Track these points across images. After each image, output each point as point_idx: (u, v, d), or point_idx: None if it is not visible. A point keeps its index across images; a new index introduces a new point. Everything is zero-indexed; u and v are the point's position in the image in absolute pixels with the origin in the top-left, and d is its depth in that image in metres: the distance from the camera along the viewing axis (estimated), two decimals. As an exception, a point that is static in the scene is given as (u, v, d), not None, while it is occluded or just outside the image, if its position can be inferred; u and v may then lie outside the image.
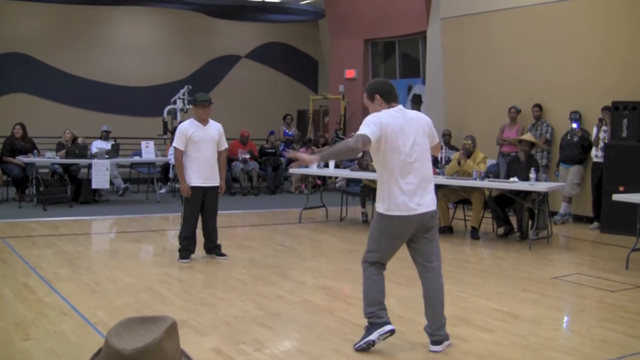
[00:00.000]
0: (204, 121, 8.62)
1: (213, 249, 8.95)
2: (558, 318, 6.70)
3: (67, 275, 7.69)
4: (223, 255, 8.93)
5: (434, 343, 5.29)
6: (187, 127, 8.58)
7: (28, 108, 19.41)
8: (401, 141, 5.09)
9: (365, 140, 4.99)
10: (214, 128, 8.73)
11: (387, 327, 5.21)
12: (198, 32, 23.00)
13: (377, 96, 5.25)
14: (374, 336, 5.19)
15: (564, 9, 13.21)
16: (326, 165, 13.10)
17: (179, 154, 8.57)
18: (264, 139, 18.71)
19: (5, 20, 20.07)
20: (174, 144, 8.66)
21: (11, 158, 14.01)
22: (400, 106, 5.27)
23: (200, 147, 8.53)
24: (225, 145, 8.92)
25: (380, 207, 5.24)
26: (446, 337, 5.34)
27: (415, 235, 5.26)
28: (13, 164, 13.99)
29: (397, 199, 5.13)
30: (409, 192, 5.12)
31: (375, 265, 5.35)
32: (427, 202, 5.20)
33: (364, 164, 12.43)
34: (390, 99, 5.25)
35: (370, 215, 12.47)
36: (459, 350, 5.32)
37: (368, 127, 5.04)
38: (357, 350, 5.23)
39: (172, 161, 15.28)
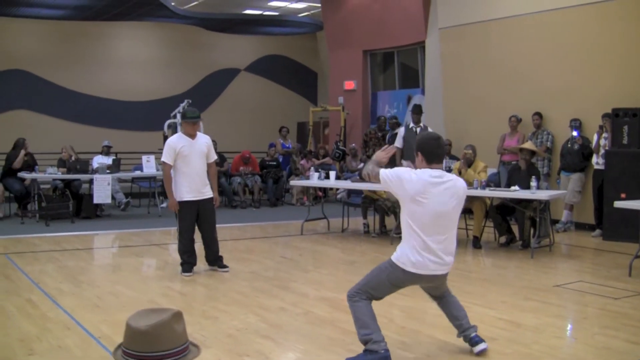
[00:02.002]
0: (192, 135, 8.65)
1: (215, 260, 8.95)
2: (561, 326, 6.69)
3: (70, 290, 7.70)
4: (225, 267, 8.93)
5: (476, 341, 5.45)
6: (176, 142, 8.59)
7: (29, 125, 19.46)
8: (422, 204, 5.07)
9: (377, 176, 5.26)
10: (203, 141, 8.74)
11: None
12: (197, 46, 23.08)
13: (419, 153, 5.26)
14: None
15: (561, 17, 13.24)
16: (327, 177, 13.12)
17: (168, 168, 8.54)
18: (264, 152, 18.73)
19: (5, 38, 20.15)
20: (163, 158, 8.59)
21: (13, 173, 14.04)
22: (439, 171, 5.18)
23: (189, 161, 8.54)
24: (214, 157, 8.93)
25: (395, 255, 5.21)
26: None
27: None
28: (15, 176, 14.01)
29: (412, 256, 5.11)
30: (425, 251, 5.09)
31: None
32: (438, 267, 5.17)
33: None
34: (430, 159, 5.19)
35: (372, 226, 12.47)
36: (462, 360, 5.33)
37: (388, 174, 5.21)
38: None
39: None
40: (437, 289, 5.51)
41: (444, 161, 11.05)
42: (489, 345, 5.54)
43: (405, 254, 5.12)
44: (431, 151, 5.20)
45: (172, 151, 8.50)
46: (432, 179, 5.10)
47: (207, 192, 8.74)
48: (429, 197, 5.06)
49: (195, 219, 8.72)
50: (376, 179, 5.29)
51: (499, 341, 5.75)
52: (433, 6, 16.39)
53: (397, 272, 5.15)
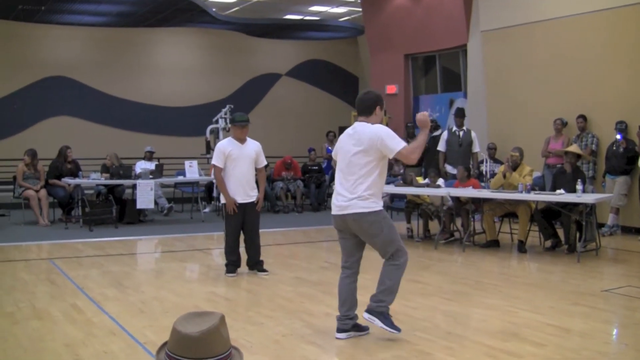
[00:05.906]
0: (241, 140, 8.78)
1: (255, 264, 9.00)
2: (610, 332, 6.59)
3: (115, 296, 7.73)
4: (265, 271, 8.96)
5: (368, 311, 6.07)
6: (226, 146, 8.80)
7: (72, 130, 19.69)
8: (340, 153, 6.00)
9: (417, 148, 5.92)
10: (251, 147, 8.87)
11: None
12: (238, 52, 23.18)
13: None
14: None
15: (605, 19, 13.06)
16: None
17: (218, 171, 8.76)
18: (306, 156, 18.73)
19: (48, 45, 20.43)
20: (213, 161, 8.87)
21: (57, 180, 14.16)
22: (357, 124, 5.98)
23: (237, 164, 8.71)
24: (264, 162, 9.07)
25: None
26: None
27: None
28: (59, 186, 14.15)
29: (333, 201, 6.03)
30: (338, 190, 5.97)
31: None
32: (344, 202, 5.88)
33: (408, 179, 12.27)
34: (359, 112, 6.05)
35: (415, 231, 12.35)
36: (510, 366, 5.25)
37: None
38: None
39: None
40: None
41: (488, 163, 10.93)
42: (538, 351, 5.46)
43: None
44: (357, 104, 6.04)
45: (222, 154, 8.71)
46: (348, 131, 6.02)
47: (253, 196, 8.85)
48: (342, 146, 5.99)
49: (241, 222, 8.79)
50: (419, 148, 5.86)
51: (548, 347, 5.65)
52: (475, 9, 16.27)
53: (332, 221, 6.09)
